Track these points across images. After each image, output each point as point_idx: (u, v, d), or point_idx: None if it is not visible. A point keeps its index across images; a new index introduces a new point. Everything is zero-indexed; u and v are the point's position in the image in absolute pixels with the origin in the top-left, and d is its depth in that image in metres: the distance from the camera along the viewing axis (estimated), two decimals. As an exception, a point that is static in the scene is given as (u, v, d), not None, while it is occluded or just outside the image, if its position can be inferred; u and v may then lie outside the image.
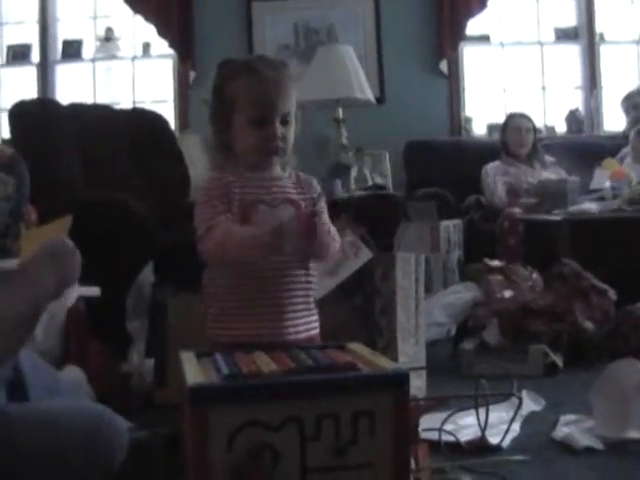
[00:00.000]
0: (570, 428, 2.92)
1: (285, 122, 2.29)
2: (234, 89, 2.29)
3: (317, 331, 2.32)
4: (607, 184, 5.99)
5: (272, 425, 1.61)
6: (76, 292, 2.65)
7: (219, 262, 2.22)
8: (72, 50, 7.81)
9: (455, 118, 7.48)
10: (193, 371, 1.76)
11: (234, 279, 2.21)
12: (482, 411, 2.75)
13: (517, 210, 5.85)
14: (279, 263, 2.22)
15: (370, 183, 6.23)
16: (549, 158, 6.50)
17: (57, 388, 2.23)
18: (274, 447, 1.61)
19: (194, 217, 2.27)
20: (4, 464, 1.79)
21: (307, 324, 2.28)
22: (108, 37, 7.75)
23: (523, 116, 6.51)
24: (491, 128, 7.48)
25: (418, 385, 3.34)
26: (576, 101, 7.63)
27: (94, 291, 2.85)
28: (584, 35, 7.52)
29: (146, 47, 7.82)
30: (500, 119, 6.89)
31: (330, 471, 1.64)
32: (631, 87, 7.14)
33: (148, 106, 7.19)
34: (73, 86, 7.82)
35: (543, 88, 7.70)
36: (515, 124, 6.44)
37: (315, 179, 2.45)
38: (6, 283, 1.85)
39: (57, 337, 3.43)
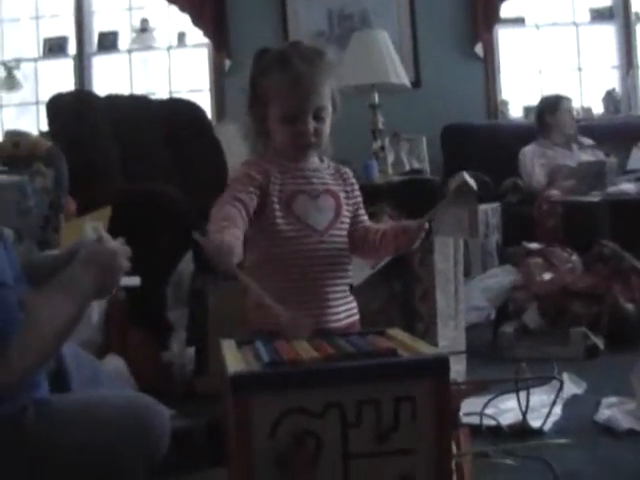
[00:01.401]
0: (612, 410, 2.92)
1: (318, 117, 2.27)
2: (267, 83, 2.27)
3: (357, 317, 2.32)
4: (645, 164, 5.96)
5: (314, 412, 1.62)
6: (117, 282, 2.67)
7: None
8: (108, 42, 7.86)
9: (491, 101, 7.45)
10: (234, 359, 1.77)
11: (276, 267, 2.23)
12: (523, 395, 2.74)
13: (555, 192, 5.82)
14: (320, 251, 2.24)
15: (407, 168, 6.23)
16: (587, 140, 6.44)
17: (99, 378, 2.25)
18: (316, 434, 1.62)
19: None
20: (49, 454, 1.81)
21: (347, 311, 2.29)
22: (143, 28, 7.79)
23: (569, 98, 6.48)
24: (527, 110, 7.43)
25: (458, 369, 3.34)
26: (613, 81, 7.56)
27: (134, 281, 2.87)
28: (619, 15, 7.44)
29: (181, 37, 7.85)
30: (536, 101, 6.84)
31: (372, 457, 1.64)
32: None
33: (184, 96, 7.23)
34: (109, 77, 7.87)
35: (579, 69, 7.64)
36: (566, 106, 6.39)
37: (350, 171, 2.45)
38: (48, 287, 1.86)
39: (98, 327, 3.46)
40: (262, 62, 2.33)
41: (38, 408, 1.84)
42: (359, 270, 2.59)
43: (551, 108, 6.44)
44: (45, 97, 5.62)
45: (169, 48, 7.90)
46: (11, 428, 1.78)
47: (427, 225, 2.28)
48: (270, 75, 2.28)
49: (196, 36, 7.66)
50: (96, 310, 3.08)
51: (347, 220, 2.34)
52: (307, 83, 2.24)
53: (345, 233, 2.32)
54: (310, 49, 2.33)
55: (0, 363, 1.66)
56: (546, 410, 2.86)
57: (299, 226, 2.23)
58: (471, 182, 2.32)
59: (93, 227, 2.16)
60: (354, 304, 2.33)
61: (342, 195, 2.35)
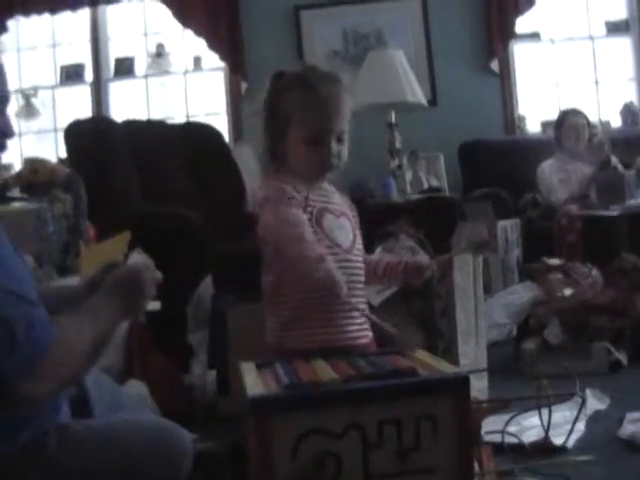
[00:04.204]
0: (636, 426, 2.89)
1: (340, 139, 2.31)
2: (289, 104, 2.31)
3: (371, 335, 2.35)
4: (664, 176, 5.92)
5: (334, 433, 1.62)
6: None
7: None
8: (124, 67, 7.90)
9: (508, 117, 7.45)
10: (253, 382, 1.77)
11: (301, 282, 2.23)
12: (545, 411, 2.73)
13: (575, 207, 5.80)
14: (345, 268, 2.25)
15: (425, 186, 6.22)
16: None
17: (120, 403, 2.26)
18: (337, 455, 1.62)
19: (265, 216, 2.26)
20: (69, 478, 1.81)
21: (366, 330, 2.32)
22: (159, 53, 7.82)
23: (578, 112, 6.43)
24: (545, 125, 7.41)
25: (480, 387, 3.33)
26: (630, 94, 7.54)
27: (154, 305, 2.88)
28: (635, 27, 7.44)
29: (197, 61, 7.87)
30: (554, 116, 6.82)
31: (393, 477, 1.63)
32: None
33: (201, 119, 7.26)
34: (127, 103, 7.90)
35: (596, 82, 7.62)
36: (570, 121, 6.35)
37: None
38: (74, 313, 1.86)
39: (119, 352, 3.46)
40: (281, 83, 2.35)
41: (60, 433, 1.84)
42: (378, 289, 2.59)
43: (558, 123, 6.44)
44: (63, 124, 5.66)
45: (185, 72, 7.93)
46: (33, 453, 1.79)
47: (435, 267, 2.40)
48: (292, 95, 2.31)
49: (212, 60, 7.69)
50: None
51: (361, 241, 2.40)
52: (334, 106, 2.29)
53: (362, 254, 2.38)
54: (328, 73, 2.37)
55: (34, 377, 1.66)
56: (569, 427, 2.84)
57: (328, 243, 2.26)
58: (487, 239, 2.39)
59: (139, 252, 2.17)
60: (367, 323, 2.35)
61: (352, 219, 2.42)
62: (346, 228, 2.35)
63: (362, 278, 2.36)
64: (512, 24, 7.26)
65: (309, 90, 2.29)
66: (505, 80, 7.44)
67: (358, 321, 2.29)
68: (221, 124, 7.41)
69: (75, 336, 1.77)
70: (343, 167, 2.37)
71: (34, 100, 7.79)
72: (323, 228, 2.27)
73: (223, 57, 7.45)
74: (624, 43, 7.56)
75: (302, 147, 2.30)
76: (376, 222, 2.58)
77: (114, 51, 7.97)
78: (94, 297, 1.93)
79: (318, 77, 2.32)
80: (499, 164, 6.74)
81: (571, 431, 2.82)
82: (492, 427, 2.70)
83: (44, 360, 1.67)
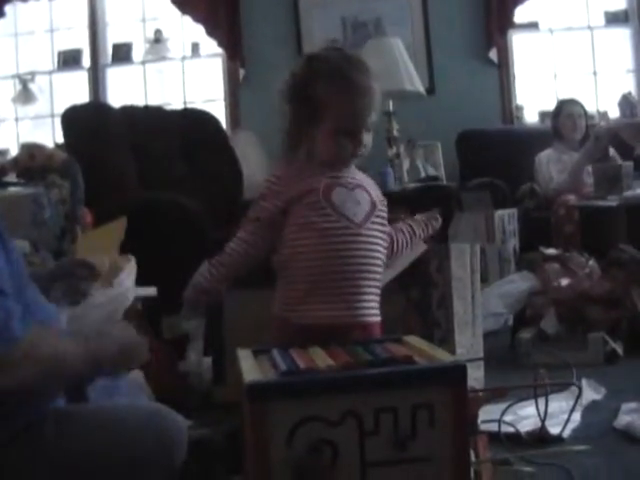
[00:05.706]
0: (631, 416, 2.89)
1: (368, 130, 2.33)
2: (325, 94, 2.29)
3: (379, 319, 2.36)
4: (662, 167, 5.91)
5: (331, 420, 1.61)
6: (133, 293, 2.67)
7: None
8: (122, 53, 7.88)
9: (506, 106, 7.43)
10: (250, 368, 1.77)
11: (312, 257, 2.26)
12: (542, 401, 2.73)
13: (572, 197, 5.79)
14: (356, 243, 2.28)
15: (423, 175, 6.22)
16: (603, 144, 6.40)
17: (115, 388, 2.25)
18: (333, 442, 1.61)
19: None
20: (66, 463, 1.80)
21: (375, 308, 2.35)
22: (157, 39, 7.79)
23: (575, 102, 6.43)
24: (543, 115, 7.40)
25: (476, 376, 3.32)
26: (628, 85, 7.52)
27: (151, 291, 2.87)
28: (635, 18, 7.40)
29: (195, 47, 7.85)
30: (552, 106, 6.82)
31: (390, 465, 1.63)
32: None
33: (199, 106, 7.24)
34: (124, 89, 7.88)
35: (594, 73, 7.60)
36: (567, 110, 6.36)
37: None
38: (73, 338, 1.85)
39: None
40: (315, 70, 2.34)
41: (55, 418, 1.83)
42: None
43: (555, 112, 6.45)
44: (60, 109, 5.64)
45: (183, 59, 7.91)
46: (29, 438, 1.78)
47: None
48: (329, 85, 2.30)
49: (210, 46, 7.67)
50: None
51: (383, 215, 2.41)
52: (369, 99, 2.30)
53: (381, 229, 2.38)
54: (357, 61, 2.38)
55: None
56: (565, 416, 2.84)
57: (337, 217, 2.27)
58: None
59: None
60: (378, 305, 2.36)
61: (373, 192, 2.41)
62: (361, 201, 2.34)
63: (378, 254, 2.34)
64: (511, 14, 7.23)
65: (346, 82, 2.29)
66: (503, 70, 7.42)
67: (365, 298, 2.29)
68: (219, 111, 7.40)
69: (44, 342, 1.73)
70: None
71: (31, 85, 7.76)
72: (331, 202, 2.28)
73: (221, 44, 7.43)
74: (623, 34, 7.53)
75: (333, 137, 2.30)
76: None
77: (112, 37, 7.95)
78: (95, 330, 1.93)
79: (353, 66, 2.32)
80: (497, 154, 6.72)
81: (567, 421, 2.82)
82: (488, 416, 2.70)
83: (13, 347, 1.64)
